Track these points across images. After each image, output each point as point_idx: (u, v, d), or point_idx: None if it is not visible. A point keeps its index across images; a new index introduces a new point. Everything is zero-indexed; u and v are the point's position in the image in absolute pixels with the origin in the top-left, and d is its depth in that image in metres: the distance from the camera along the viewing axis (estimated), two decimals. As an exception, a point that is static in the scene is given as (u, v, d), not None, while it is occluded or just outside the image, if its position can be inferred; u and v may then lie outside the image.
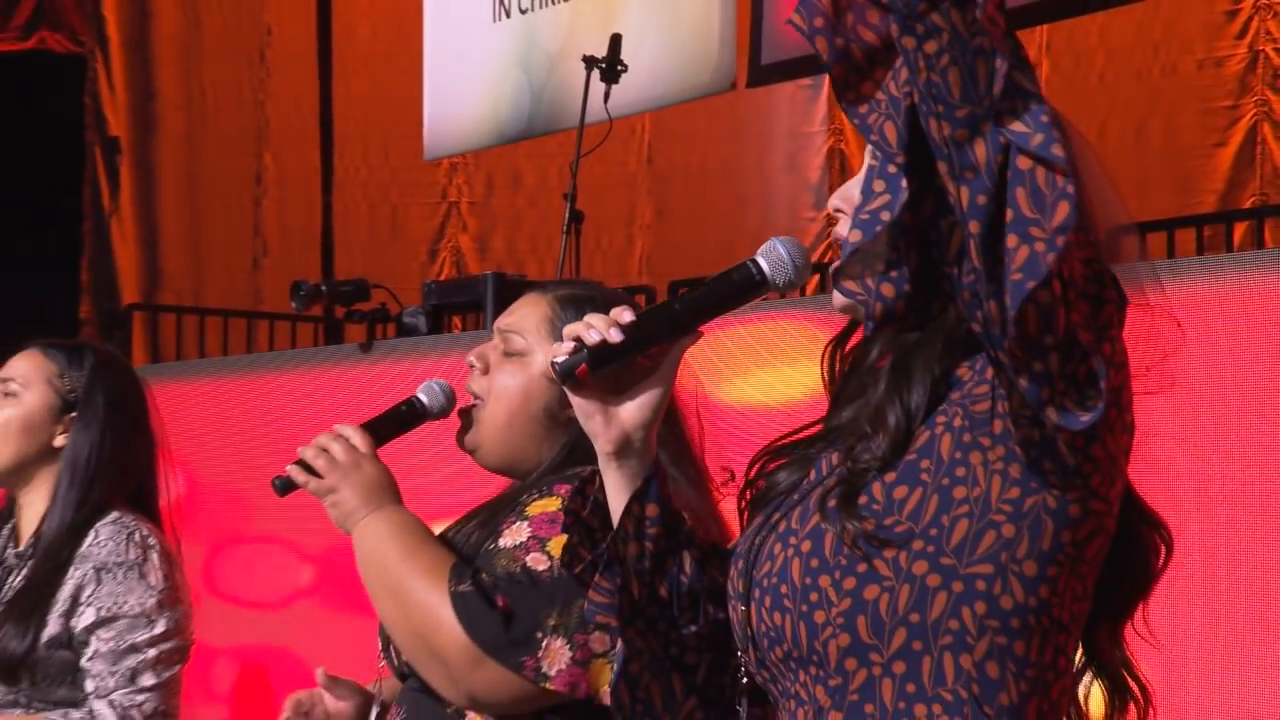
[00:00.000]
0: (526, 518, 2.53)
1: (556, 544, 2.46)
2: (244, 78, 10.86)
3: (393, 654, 2.63)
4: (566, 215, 6.33)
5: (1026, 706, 1.88)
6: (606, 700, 2.35)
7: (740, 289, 2.02)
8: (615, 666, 2.05)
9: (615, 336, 1.98)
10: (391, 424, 2.73)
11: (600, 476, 2.09)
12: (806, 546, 1.90)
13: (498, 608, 2.44)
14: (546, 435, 2.62)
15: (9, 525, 3.41)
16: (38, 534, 3.32)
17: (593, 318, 1.99)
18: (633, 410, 2.03)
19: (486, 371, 2.66)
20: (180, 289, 10.78)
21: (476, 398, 2.65)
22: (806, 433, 2.08)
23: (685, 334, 2.04)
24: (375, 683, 2.79)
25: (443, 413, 2.73)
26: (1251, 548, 3.46)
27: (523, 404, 2.61)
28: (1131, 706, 2.00)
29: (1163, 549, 2.02)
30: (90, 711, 3.13)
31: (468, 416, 2.67)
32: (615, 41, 6.48)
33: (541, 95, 7.82)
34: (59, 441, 3.34)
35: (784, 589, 1.92)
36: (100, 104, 11.21)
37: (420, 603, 2.47)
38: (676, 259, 8.90)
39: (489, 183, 9.82)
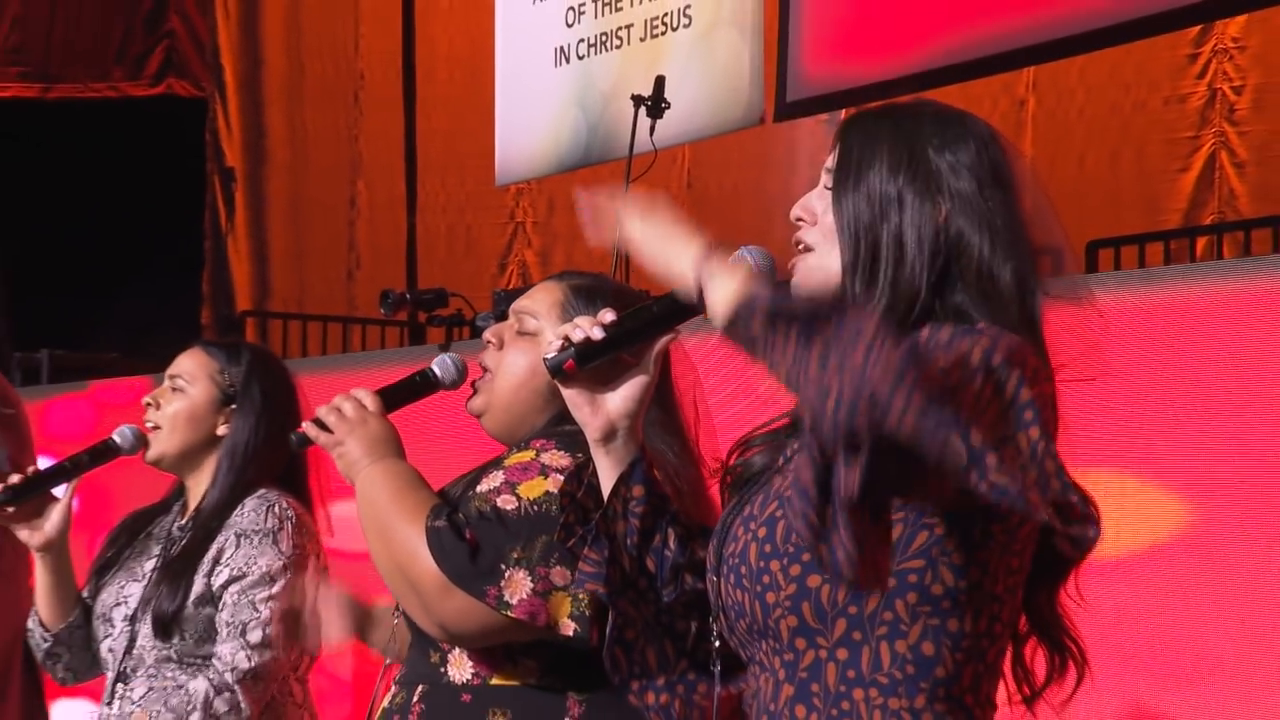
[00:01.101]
0: (503, 467, 2.46)
1: (526, 488, 2.41)
2: (340, 117, 10.85)
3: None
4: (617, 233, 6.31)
5: (962, 673, 1.83)
6: (566, 632, 2.34)
7: (419, 388, 2.00)
8: (609, 636, 2.01)
9: (598, 335, 1.95)
10: (404, 391, 2.65)
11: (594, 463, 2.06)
12: (763, 532, 1.86)
13: (465, 541, 2.36)
14: (545, 408, 2.53)
15: (179, 504, 3.39)
16: (197, 510, 3.30)
17: (579, 319, 1.98)
18: (618, 401, 2.00)
19: (500, 348, 2.58)
20: (286, 298, 10.76)
21: (488, 370, 2.59)
22: (779, 423, 2.03)
23: (664, 332, 2.00)
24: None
25: (454, 384, 2.65)
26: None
27: (529, 379, 2.53)
28: (1071, 665, 1.94)
29: (1094, 521, 1.90)
30: (207, 655, 3.13)
31: (476, 389, 2.60)
32: (659, 83, 6.48)
33: (596, 129, 7.81)
34: (221, 431, 3.29)
35: (743, 569, 1.88)
36: (218, 140, 11.21)
37: (401, 539, 2.40)
38: (712, 269, 8.89)
39: (550, 205, 9.79)
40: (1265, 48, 7.43)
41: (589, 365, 1.97)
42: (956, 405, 1.64)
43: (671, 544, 2.01)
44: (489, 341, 2.63)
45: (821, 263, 1.96)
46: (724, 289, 1.80)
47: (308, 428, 2.59)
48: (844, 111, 8.92)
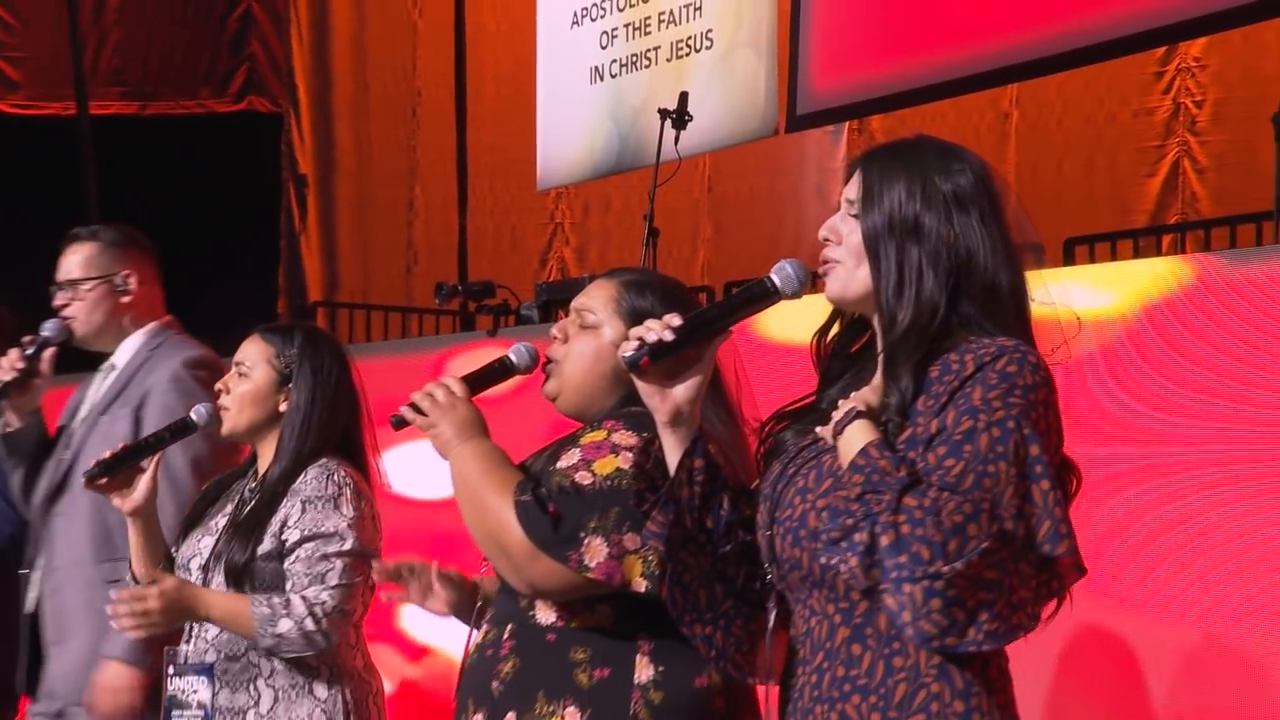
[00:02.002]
0: (579, 445, 2.51)
1: (600, 464, 2.46)
2: (400, 129, 10.85)
3: None
4: (645, 232, 6.31)
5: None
6: (639, 589, 2.38)
7: (759, 297, 2.08)
8: (668, 579, 2.10)
9: (669, 337, 2.03)
10: (486, 377, 2.69)
11: (659, 440, 2.13)
12: (821, 503, 1.96)
13: (549, 513, 2.41)
14: (609, 389, 2.59)
15: (253, 469, 3.41)
16: (264, 476, 3.32)
17: (651, 323, 2.06)
18: (682, 390, 2.07)
19: (566, 340, 2.63)
20: (352, 290, 10.77)
21: (556, 360, 2.64)
22: (803, 403, 2.17)
23: (720, 334, 2.11)
24: (478, 578, 2.78)
25: (527, 370, 2.69)
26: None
27: (594, 365, 2.59)
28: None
29: (1075, 479, 2.05)
30: (287, 600, 3.13)
31: (550, 373, 2.65)
32: (683, 98, 6.46)
33: (627, 140, 7.80)
34: (282, 408, 3.29)
35: (802, 533, 1.99)
36: (293, 150, 11.22)
37: (493, 511, 2.44)
38: (730, 266, 8.87)
39: (586, 207, 9.79)
40: (1223, 66, 7.41)
41: (660, 361, 2.05)
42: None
43: (726, 505, 2.09)
44: (555, 336, 2.67)
45: (851, 275, 2.06)
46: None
47: (405, 411, 2.61)
48: (849, 124, 9.01)
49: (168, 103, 11.72)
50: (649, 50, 7.81)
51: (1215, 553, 3.25)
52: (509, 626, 2.55)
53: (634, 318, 2.54)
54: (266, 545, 3.17)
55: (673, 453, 2.10)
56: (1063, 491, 1.94)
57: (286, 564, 3.16)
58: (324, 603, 3.11)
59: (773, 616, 2.11)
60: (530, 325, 5.65)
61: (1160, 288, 3.35)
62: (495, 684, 2.52)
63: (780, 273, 2.05)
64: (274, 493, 3.21)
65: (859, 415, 1.95)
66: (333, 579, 3.13)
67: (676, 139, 6.37)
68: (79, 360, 4.53)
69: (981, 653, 1.90)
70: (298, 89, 11.32)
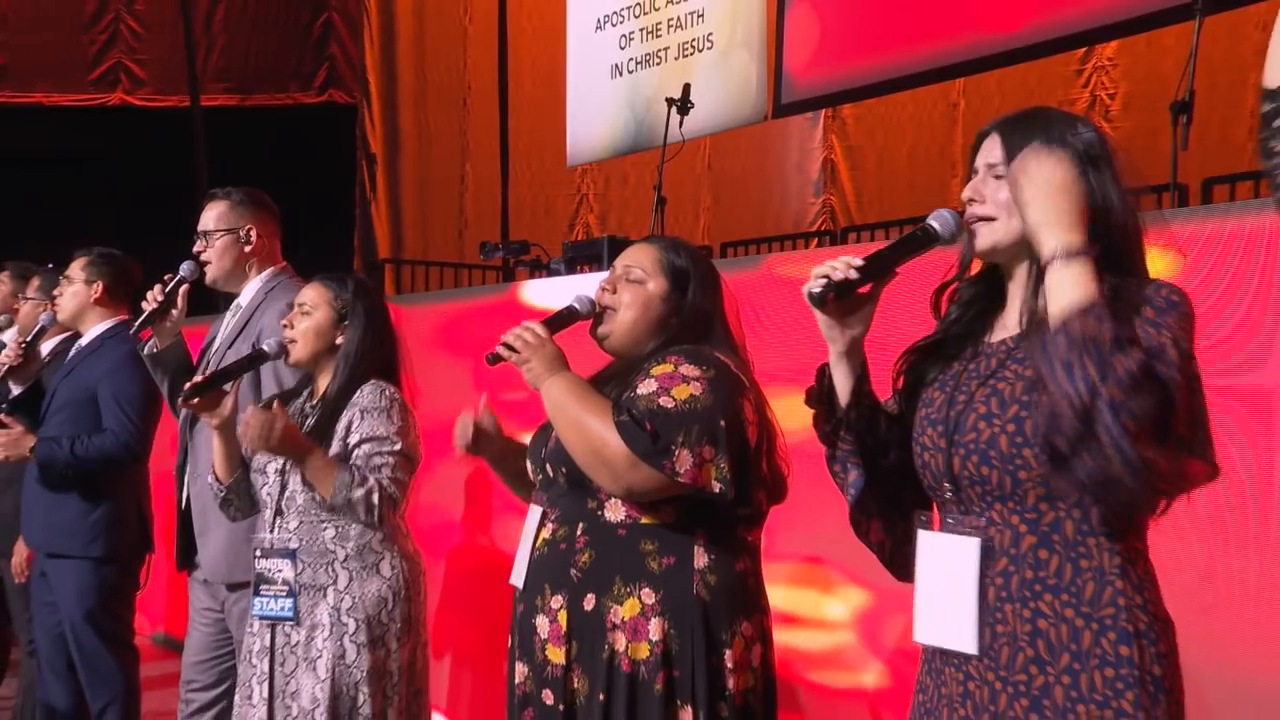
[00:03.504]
0: (653, 376, 2.48)
1: (676, 391, 2.44)
2: (453, 116, 10.82)
3: (546, 467, 2.59)
4: (655, 200, 6.30)
5: (1142, 524, 1.86)
6: (714, 489, 2.39)
7: (922, 242, 1.91)
8: (854, 499, 2.02)
9: (853, 275, 1.88)
10: (559, 320, 2.67)
11: (828, 370, 1.99)
12: (1012, 428, 1.81)
13: (646, 430, 2.40)
14: (652, 333, 2.58)
15: (308, 391, 3.41)
16: (323, 395, 3.33)
17: (835, 262, 1.89)
18: (855, 324, 1.93)
19: (615, 291, 2.62)
20: (414, 248, 10.76)
21: (608, 308, 2.63)
22: (930, 341, 2.01)
23: (890, 274, 1.94)
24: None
25: (588, 316, 2.65)
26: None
27: (642, 313, 2.58)
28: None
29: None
30: (364, 477, 3.09)
31: (601, 319, 2.63)
32: (686, 89, 6.43)
33: (641, 124, 7.78)
34: (339, 340, 3.29)
35: (992, 454, 1.84)
36: (365, 134, 11.21)
37: (594, 430, 2.43)
38: (726, 229, 8.86)
39: (607, 180, 9.75)
40: (1132, 64, 7.36)
41: (844, 298, 1.90)
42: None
43: (883, 423, 1.98)
44: (605, 288, 2.64)
45: (1005, 227, 1.89)
46: (1067, 294, 1.75)
47: (500, 350, 2.58)
48: (825, 111, 9.00)
49: (264, 95, 11.74)
50: (660, 50, 7.78)
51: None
52: (580, 525, 2.54)
53: (672, 273, 2.58)
54: (335, 448, 3.15)
55: (845, 380, 1.96)
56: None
57: (352, 459, 3.15)
58: (385, 486, 3.12)
59: (941, 521, 1.94)
60: (559, 277, 5.65)
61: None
62: (574, 571, 2.52)
63: (939, 219, 1.91)
64: (335, 406, 3.21)
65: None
66: (387, 472, 3.13)
67: (681, 124, 6.35)
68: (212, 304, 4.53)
69: (1144, 553, 1.83)
70: (369, 83, 11.30)
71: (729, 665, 2.46)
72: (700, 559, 2.48)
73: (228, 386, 3.31)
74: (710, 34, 7.47)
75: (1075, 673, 1.79)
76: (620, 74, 8.02)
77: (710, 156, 9.28)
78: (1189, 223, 2.95)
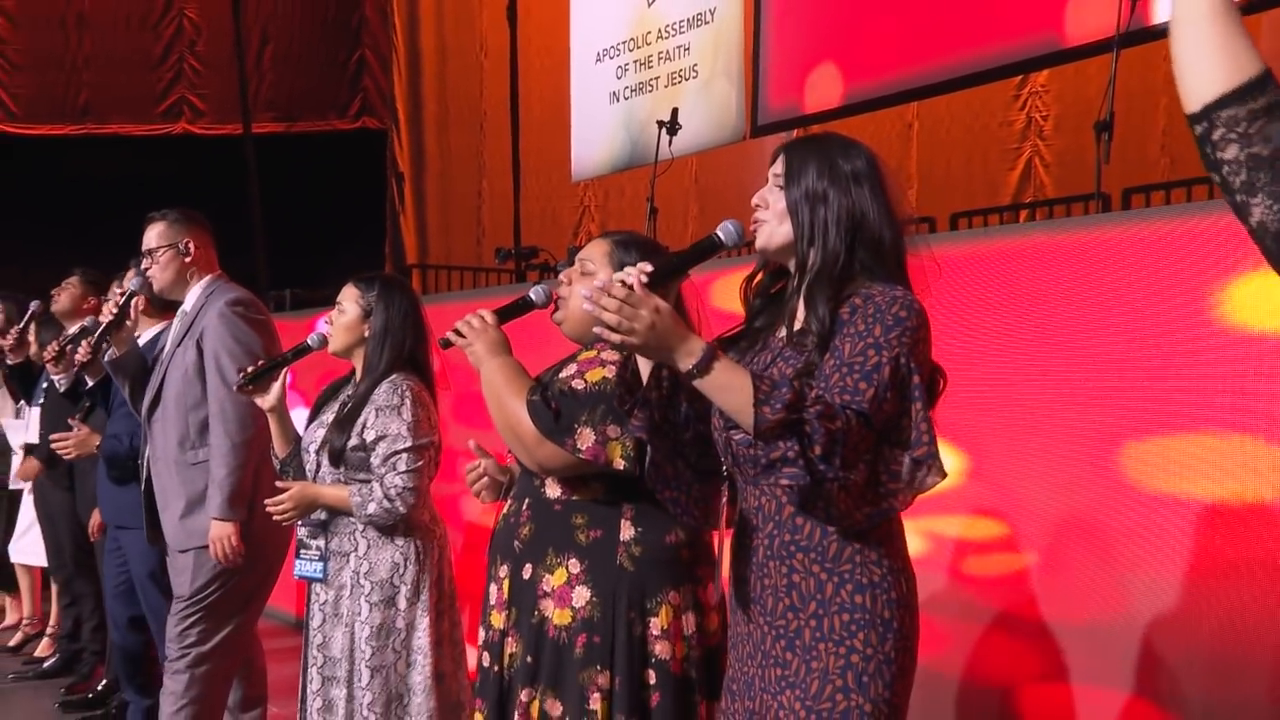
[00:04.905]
0: (576, 361, 2.46)
1: (590, 374, 2.39)
2: (472, 139, 10.78)
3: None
4: (648, 211, 6.29)
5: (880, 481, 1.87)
6: (619, 466, 2.31)
7: (708, 249, 1.93)
8: (647, 461, 2.01)
9: (643, 279, 1.86)
10: (513, 310, 2.61)
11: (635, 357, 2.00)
12: None
13: (551, 409, 2.34)
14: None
15: (353, 377, 3.40)
16: (355, 385, 3.33)
17: (629, 269, 1.87)
18: None
19: (569, 284, 2.56)
20: (437, 255, 10.73)
21: (563, 298, 2.57)
22: (733, 332, 2.07)
23: (680, 276, 2.01)
24: (511, 465, 2.69)
25: (543, 305, 2.59)
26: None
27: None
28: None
29: (942, 381, 1.97)
30: (372, 488, 3.08)
31: (559, 306, 2.57)
32: (674, 113, 6.40)
33: (635, 144, 7.75)
34: (366, 334, 3.30)
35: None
36: (394, 155, 11.17)
37: (511, 409, 2.39)
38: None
39: (606, 193, 9.72)
40: (1063, 90, 7.34)
41: None
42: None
43: (684, 404, 1.97)
44: (562, 280, 2.60)
45: (774, 231, 1.97)
46: (735, 393, 1.76)
47: (450, 335, 2.54)
48: (796, 131, 8.97)
49: (306, 123, 11.73)
50: (651, 80, 7.75)
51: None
52: (526, 500, 2.50)
53: (620, 268, 2.51)
54: (353, 440, 3.14)
55: (645, 366, 1.98)
56: (930, 400, 1.87)
57: (371, 456, 3.13)
58: (396, 485, 3.09)
59: (727, 495, 2.02)
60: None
61: (1025, 247, 3.26)
62: (517, 543, 2.48)
63: (724, 229, 1.94)
64: (360, 400, 3.21)
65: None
66: (401, 466, 3.09)
67: (671, 143, 6.33)
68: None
69: (889, 516, 1.86)
70: (398, 111, 11.27)
71: (654, 632, 2.36)
72: (626, 532, 2.40)
73: (277, 374, 3.32)
74: (695, 65, 7.44)
75: (820, 617, 1.87)
76: (617, 100, 7.99)
77: (697, 172, 9.26)
78: (1114, 227, 2.95)
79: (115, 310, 3.84)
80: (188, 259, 3.81)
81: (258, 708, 4.04)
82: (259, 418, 3.50)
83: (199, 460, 3.65)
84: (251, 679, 4.02)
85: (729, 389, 1.74)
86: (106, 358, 3.91)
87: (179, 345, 3.73)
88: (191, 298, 3.81)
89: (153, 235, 3.83)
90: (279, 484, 3.25)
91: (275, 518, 3.17)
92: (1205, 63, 1.22)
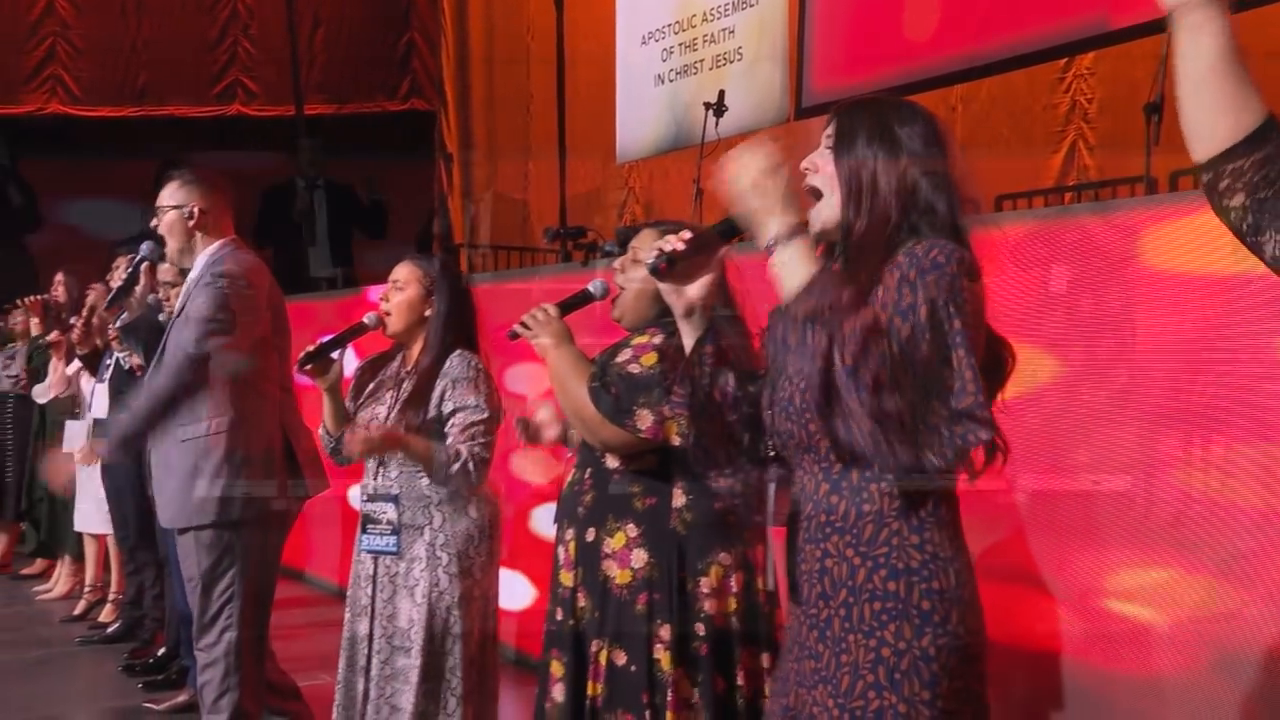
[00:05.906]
0: (631, 345, 2.58)
1: (645, 359, 2.51)
2: (519, 121, 10.80)
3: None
4: (695, 192, 6.27)
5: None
6: (675, 442, 2.41)
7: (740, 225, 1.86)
8: (690, 441, 1.97)
9: (680, 247, 1.86)
10: (574, 302, 2.72)
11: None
12: (802, 384, 1.76)
13: (611, 394, 2.49)
14: (652, 306, 2.59)
15: (400, 357, 3.41)
16: (416, 363, 3.32)
17: (669, 236, 1.88)
18: (694, 289, 1.90)
19: (623, 270, 2.68)
20: (484, 234, 10.83)
21: (621, 287, 2.67)
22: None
23: (721, 244, 1.91)
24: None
25: (601, 298, 2.74)
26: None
27: (643, 289, 2.60)
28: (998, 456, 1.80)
29: (1010, 357, 1.86)
30: (457, 452, 3.08)
31: (616, 302, 2.69)
32: (721, 95, 6.39)
33: (681, 126, 7.75)
34: (428, 313, 3.28)
35: (790, 409, 1.81)
36: (442, 136, 11.19)
37: (576, 393, 2.54)
38: (754, 216, 8.81)
39: (651, 175, 9.66)
40: (1108, 72, 7.23)
41: (674, 266, 1.88)
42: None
43: (731, 383, 1.91)
44: (616, 270, 2.71)
45: (827, 202, 1.86)
46: (793, 277, 1.73)
47: (517, 327, 2.67)
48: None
49: (357, 104, 11.79)
50: (696, 62, 7.73)
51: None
52: (588, 469, 2.65)
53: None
54: (431, 413, 3.16)
55: (688, 339, 1.93)
56: (998, 378, 1.78)
57: (446, 427, 3.16)
58: (476, 454, 3.12)
59: (774, 474, 1.90)
60: (612, 259, 5.63)
61: (1075, 230, 3.20)
62: (580, 509, 2.63)
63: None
64: (429, 375, 3.22)
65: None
66: (479, 437, 3.13)
67: (716, 124, 6.30)
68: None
69: (934, 494, 1.74)
70: (446, 93, 11.27)
71: (704, 590, 2.51)
72: (679, 499, 2.54)
73: (335, 354, 3.33)
74: (740, 48, 7.41)
75: (850, 605, 1.75)
76: (662, 82, 7.97)
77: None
78: (1162, 208, 2.92)
79: (124, 276, 3.76)
80: (192, 222, 3.63)
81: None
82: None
83: (188, 436, 3.52)
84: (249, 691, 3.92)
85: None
86: (119, 323, 3.84)
87: (180, 312, 3.63)
88: (199, 264, 3.67)
89: (164, 193, 3.69)
90: (337, 427, 3.28)
91: (356, 450, 3.12)
92: (1209, 119, 1.23)
